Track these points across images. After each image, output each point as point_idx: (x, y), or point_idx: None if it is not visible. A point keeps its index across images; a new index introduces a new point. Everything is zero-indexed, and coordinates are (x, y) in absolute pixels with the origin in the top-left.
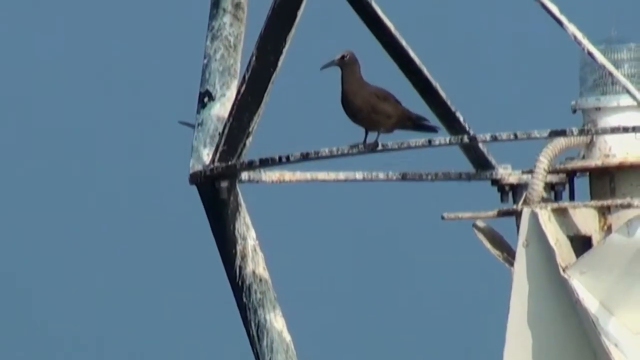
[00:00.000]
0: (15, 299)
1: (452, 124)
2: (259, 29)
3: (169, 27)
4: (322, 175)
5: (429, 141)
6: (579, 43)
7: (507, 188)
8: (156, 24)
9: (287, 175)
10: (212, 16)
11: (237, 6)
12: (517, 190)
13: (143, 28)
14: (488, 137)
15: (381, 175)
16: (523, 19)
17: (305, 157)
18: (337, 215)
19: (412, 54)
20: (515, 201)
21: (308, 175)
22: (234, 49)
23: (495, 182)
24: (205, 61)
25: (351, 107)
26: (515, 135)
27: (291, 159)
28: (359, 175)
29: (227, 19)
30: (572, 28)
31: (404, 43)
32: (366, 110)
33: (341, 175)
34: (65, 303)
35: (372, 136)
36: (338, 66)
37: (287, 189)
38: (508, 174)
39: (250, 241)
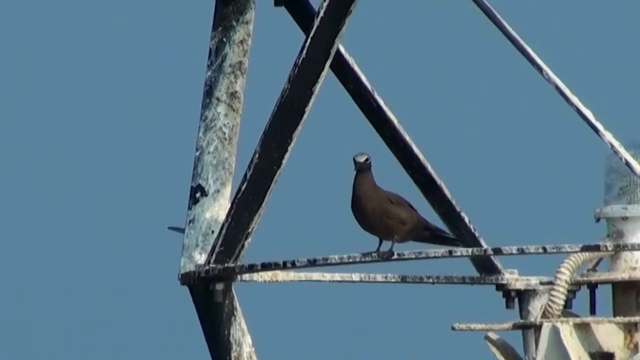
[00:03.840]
0: None
1: (455, 224)
2: (256, 119)
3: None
4: (316, 275)
5: (450, 252)
6: (616, 152)
7: (513, 294)
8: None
9: (280, 275)
10: (205, 105)
11: (233, 95)
12: (523, 296)
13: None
14: (514, 250)
15: (379, 277)
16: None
17: (312, 264)
18: (339, 320)
19: (415, 149)
20: (521, 308)
21: (302, 276)
22: (228, 141)
23: (501, 287)
24: (198, 154)
25: (363, 211)
26: (545, 249)
27: (297, 264)
28: (355, 277)
29: (221, 109)
30: (608, 136)
31: (407, 137)
32: (378, 214)
33: (337, 277)
34: None
35: (386, 245)
36: (357, 169)
37: (284, 288)
38: (515, 279)
39: (246, 348)
